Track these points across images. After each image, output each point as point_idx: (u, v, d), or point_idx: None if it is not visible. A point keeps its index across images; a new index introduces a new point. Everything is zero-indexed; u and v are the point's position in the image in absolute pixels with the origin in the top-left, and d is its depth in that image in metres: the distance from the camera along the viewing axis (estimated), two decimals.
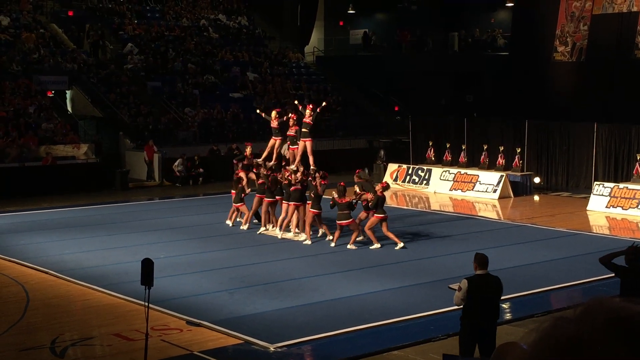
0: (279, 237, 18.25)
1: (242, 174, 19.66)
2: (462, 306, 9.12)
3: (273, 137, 20.05)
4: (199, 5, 39.89)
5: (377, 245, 17.16)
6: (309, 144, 19.26)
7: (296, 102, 21.86)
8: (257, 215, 19.61)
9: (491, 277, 9.22)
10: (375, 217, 17.16)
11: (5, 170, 25.37)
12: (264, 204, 19.00)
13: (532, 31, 31.21)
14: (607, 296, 1.44)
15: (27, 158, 26.28)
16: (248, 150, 20.87)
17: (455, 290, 9.14)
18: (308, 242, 17.73)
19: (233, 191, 19.84)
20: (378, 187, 17.53)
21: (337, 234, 17.48)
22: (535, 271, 15.26)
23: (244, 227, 19.40)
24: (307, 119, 19.34)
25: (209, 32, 37.91)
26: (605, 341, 1.28)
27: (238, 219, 19.89)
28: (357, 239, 17.42)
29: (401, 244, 17.15)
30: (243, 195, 19.48)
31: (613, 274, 9.92)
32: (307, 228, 17.82)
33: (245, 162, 20.15)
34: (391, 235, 17.20)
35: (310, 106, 19.88)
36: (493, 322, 9.17)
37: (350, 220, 17.20)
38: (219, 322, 11.89)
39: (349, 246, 17.22)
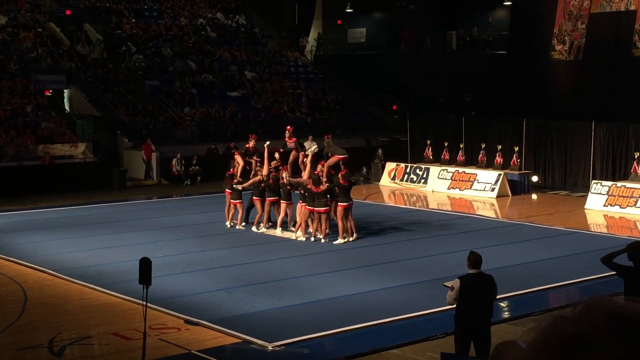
0: (300, 238, 18.03)
1: (238, 157, 19.38)
2: (455, 305, 9.12)
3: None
4: (197, 4, 39.88)
5: (340, 240, 17.43)
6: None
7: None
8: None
9: (484, 276, 9.20)
10: (339, 206, 17.37)
11: (3, 169, 25.35)
12: (266, 204, 18.92)
13: (530, 30, 31.20)
14: (607, 295, 1.43)
15: (25, 157, 26.27)
16: (251, 143, 19.69)
17: (449, 288, 9.13)
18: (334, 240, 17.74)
19: (227, 190, 19.71)
20: (340, 175, 17.55)
21: (315, 224, 17.60)
22: (533, 270, 15.27)
23: (239, 226, 19.32)
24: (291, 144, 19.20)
25: (206, 31, 37.89)
26: (604, 340, 1.27)
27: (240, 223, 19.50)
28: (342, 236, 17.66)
29: (343, 240, 17.43)
30: (234, 182, 19.18)
31: (613, 273, 9.85)
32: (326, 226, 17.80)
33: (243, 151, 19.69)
34: (341, 225, 17.44)
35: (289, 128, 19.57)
36: (487, 321, 9.15)
37: (327, 207, 17.37)
38: (217, 321, 11.89)
39: (335, 242, 17.46)
